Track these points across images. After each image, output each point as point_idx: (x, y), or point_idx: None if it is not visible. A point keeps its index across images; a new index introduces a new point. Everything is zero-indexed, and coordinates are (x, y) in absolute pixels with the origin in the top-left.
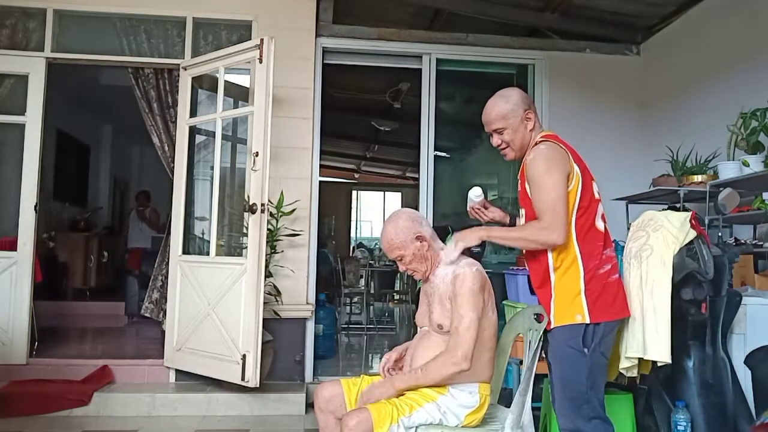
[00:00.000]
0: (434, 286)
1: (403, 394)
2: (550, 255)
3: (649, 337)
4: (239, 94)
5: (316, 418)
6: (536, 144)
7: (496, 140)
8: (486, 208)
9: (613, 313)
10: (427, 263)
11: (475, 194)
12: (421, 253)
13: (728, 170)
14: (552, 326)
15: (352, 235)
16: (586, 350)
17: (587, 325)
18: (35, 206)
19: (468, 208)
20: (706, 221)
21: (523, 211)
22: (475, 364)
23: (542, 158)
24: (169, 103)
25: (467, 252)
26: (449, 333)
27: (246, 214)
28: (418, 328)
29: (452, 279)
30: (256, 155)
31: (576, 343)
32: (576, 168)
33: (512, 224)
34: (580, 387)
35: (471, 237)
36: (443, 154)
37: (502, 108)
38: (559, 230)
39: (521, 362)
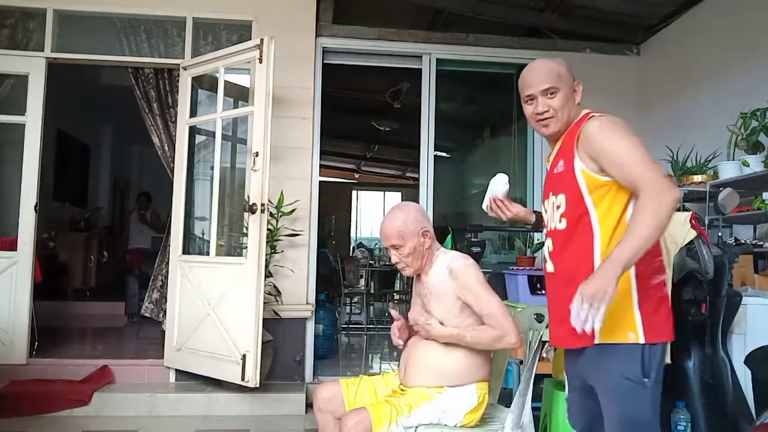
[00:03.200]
0: (429, 285)
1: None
2: (598, 237)
3: None
4: (239, 94)
5: (316, 418)
6: (589, 117)
7: (542, 105)
8: (507, 201)
9: (669, 333)
10: (421, 261)
11: (502, 182)
12: (420, 250)
13: (728, 170)
14: (595, 341)
15: (352, 235)
16: (646, 380)
17: (643, 346)
18: (35, 206)
19: (487, 202)
20: (706, 221)
21: (556, 200)
22: (472, 362)
23: (613, 123)
24: (169, 103)
25: (467, 251)
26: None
27: (246, 214)
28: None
29: (449, 273)
30: (256, 155)
31: (634, 372)
32: None
33: (538, 222)
34: (648, 428)
35: (606, 286)
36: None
37: (553, 67)
38: (675, 186)
39: (521, 362)
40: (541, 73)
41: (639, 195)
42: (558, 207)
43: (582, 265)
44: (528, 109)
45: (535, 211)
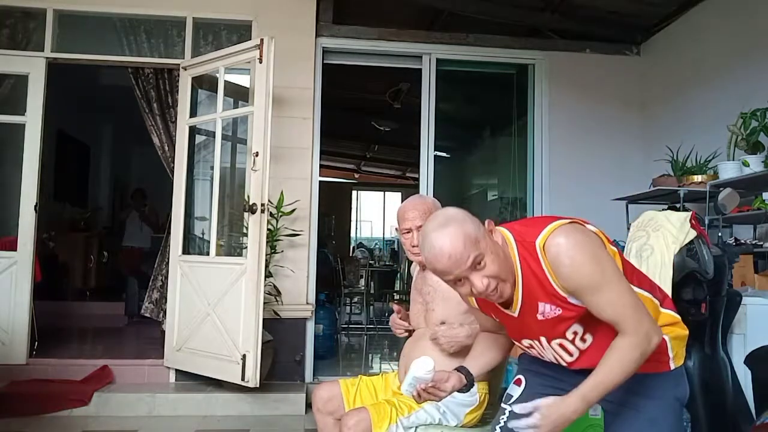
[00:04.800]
0: (433, 282)
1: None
2: None
3: None
4: (239, 94)
5: (315, 418)
6: (530, 245)
7: (479, 284)
8: (438, 383)
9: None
10: None
11: (426, 370)
12: None
13: (728, 170)
14: (673, 366)
15: (352, 235)
16: (685, 400)
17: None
18: (35, 206)
19: (411, 390)
20: (706, 221)
21: (575, 334)
22: None
23: (573, 248)
24: (169, 103)
25: None
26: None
27: (246, 214)
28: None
29: None
30: (256, 155)
31: (683, 393)
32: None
33: (469, 383)
34: None
35: (566, 424)
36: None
37: (461, 234)
38: (654, 325)
39: None
40: (452, 256)
41: (619, 332)
42: (576, 336)
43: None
44: (470, 288)
45: (458, 369)
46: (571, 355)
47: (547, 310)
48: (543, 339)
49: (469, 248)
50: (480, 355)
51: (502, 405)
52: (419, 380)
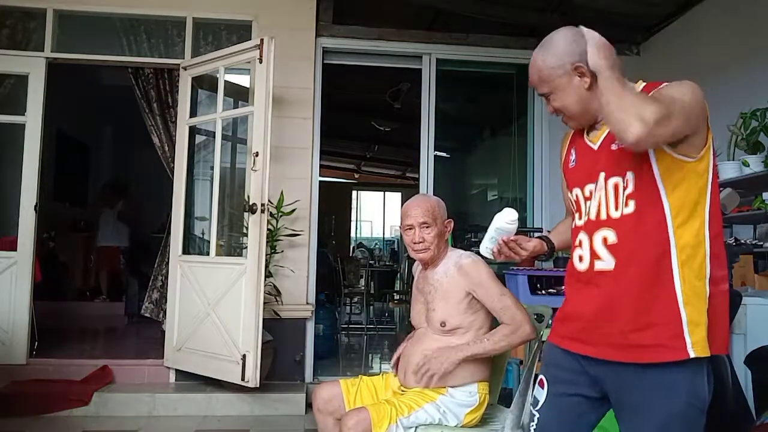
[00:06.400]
0: (434, 281)
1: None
2: (669, 214)
3: None
4: (239, 94)
5: (315, 418)
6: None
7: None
8: (521, 239)
9: (725, 346)
10: (438, 250)
11: (510, 219)
12: (443, 238)
13: (728, 170)
14: (692, 353)
15: (352, 235)
16: (704, 406)
17: (707, 361)
18: (35, 206)
19: (491, 245)
20: None
21: (620, 180)
22: (473, 363)
23: (689, 88)
24: (169, 103)
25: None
26: (453, 331)
27: (246, 214)
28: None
29: (457, 270)
30: (256, 155)
31: (700, 397)
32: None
33: (552, 249)
34: None
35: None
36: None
37: (543, 62)
38: (655, 135)
39: (521, 362)
40: (531, 75)
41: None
42: (625, 188)
43: (653, 249)
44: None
45: (541, 237)
46: (612, 226)
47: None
48: (602, 176)
49: (546, 77)
50: (563, 233)
51: (532, 410)
52: (501, 231)
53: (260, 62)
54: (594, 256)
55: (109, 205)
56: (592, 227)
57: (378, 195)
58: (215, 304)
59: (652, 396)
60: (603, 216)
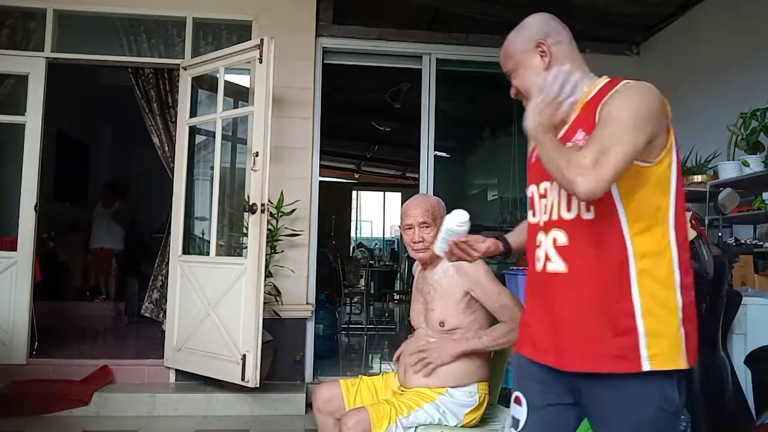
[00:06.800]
0: (433, 281)
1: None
2: (625, 223)
3: None
4: (239, 94)
5: (315, 418)
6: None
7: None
8: (473, 241)
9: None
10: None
11: (459, 221)
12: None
13: (728, 170)
14: (645, 367)
15: (352, 235)
16: (677, 409)
17: (681, 371)
18: (35, 206)
19: (443, 246)
20: (706, 221)
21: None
22: (473, 362)
23: (635, 96)
24: (169, 103)
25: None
26: (452, 331)
27: (246, 214)
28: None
29: (456, 271)
30: (256, 155)
31: (671, 401)
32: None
33: (508, 250)
34: None
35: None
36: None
37: (511, 38)
38: (599, 179)
39: None
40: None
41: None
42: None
43: (609, 256)
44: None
45: (498, 238)
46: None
47: (578, 135)
48: None
49: (511, 53)
50: (522, 231)
51: (512, 430)
52: (451, 233)
53: (260, 62)
54: (546, 257)
55: (105, 204)
56: (547, 227)
57: (378, 195)
58: (215, 304)
59: (621, 403)
60: (555, 216)
